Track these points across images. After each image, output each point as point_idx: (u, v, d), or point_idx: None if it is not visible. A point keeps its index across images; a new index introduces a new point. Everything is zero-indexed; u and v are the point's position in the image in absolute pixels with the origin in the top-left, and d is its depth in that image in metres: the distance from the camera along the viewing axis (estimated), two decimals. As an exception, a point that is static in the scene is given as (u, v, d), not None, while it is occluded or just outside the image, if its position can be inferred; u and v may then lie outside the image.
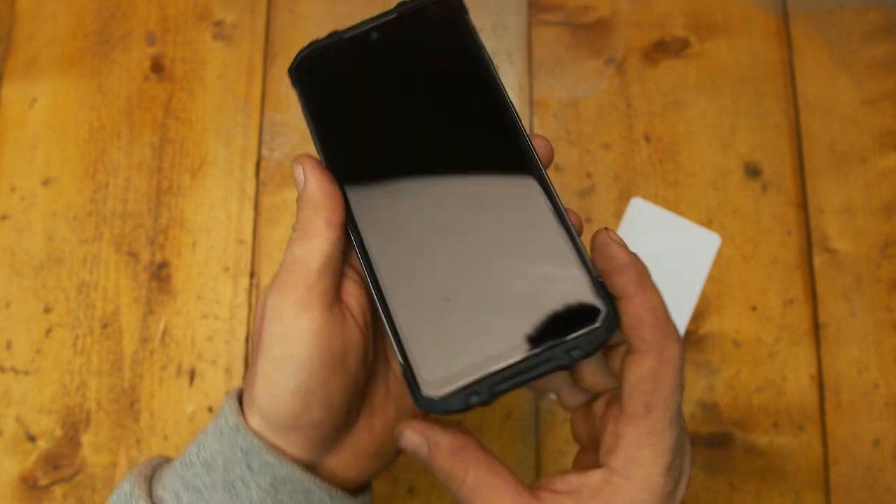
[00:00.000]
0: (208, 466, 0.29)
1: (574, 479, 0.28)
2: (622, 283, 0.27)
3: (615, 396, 0.29)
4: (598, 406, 0.31)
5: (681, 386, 0.27)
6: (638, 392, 0.27)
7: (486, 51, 0.30)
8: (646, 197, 0.55)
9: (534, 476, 0.51)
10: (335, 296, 0.28)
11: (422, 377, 0.25)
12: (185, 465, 0.29)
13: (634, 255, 0.27)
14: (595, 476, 0.27)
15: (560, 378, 0.32)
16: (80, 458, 0.51)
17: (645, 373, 0.27)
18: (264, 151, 0.57)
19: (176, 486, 0.29)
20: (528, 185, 0.28)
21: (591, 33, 0.59)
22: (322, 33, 0.32)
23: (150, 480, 0.30)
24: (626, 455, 0.27)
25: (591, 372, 0.31)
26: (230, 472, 0.28)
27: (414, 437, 0.28)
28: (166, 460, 0.32)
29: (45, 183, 0.56)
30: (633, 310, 0.27)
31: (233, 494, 0.28)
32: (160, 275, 0.54)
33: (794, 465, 0.51)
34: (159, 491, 0.29)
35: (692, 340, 0.53)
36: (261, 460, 0.28)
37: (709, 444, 0.51)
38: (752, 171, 0.56)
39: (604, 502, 0.27)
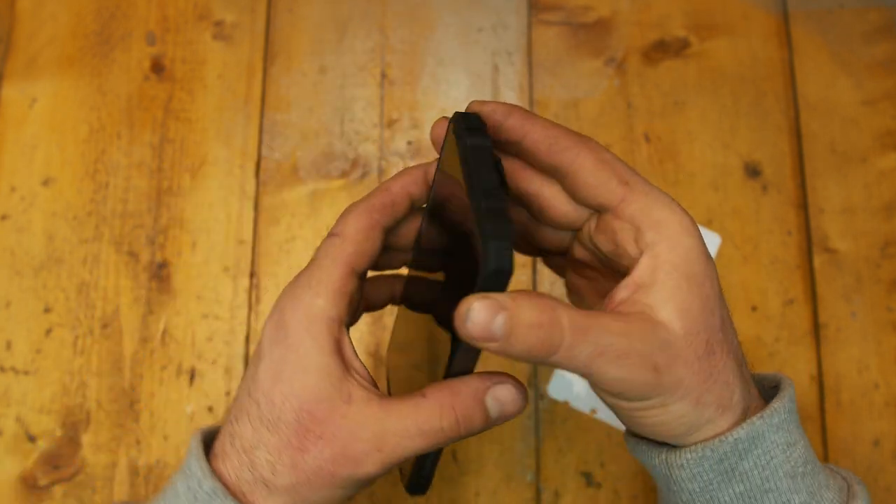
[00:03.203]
0: None
1: (627, 282, 0.27)
2: (515, 123, 0.28)
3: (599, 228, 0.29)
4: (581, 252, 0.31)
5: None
6: (605, 181, 0.27)
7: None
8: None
9: (534, 476, 0.51)
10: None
11: None
12: None
13: (503, 102, 0.28)
14: (642, 265, 0.26)
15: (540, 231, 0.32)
16: (80, 458, 0.51)
17: (593, 164, 0.28)
18: (264, 151, 0.57)
19: None
20: None
21: (591, 33, 0.59)
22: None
23: None
24: (647, 224, 0.27)
25: (559, 201, 0.29)
26: None
27: (488, 309, 0.22)
28: None
29: (45, 183, 0.56)
30: (537, 135, 0.28)
31: None
32: (160, 275, 0.54)
33: (794, 465, 0.51)
34: None
35: (692, 340, 0.53)
36: None
37: (709, 444, 0.51)
38: (752, 171, 0.56)
39: (664, 267, 0.26)
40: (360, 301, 0.31)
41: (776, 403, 0.28)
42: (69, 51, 0.59)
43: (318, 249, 0.29)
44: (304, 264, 0.29)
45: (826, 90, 0.57)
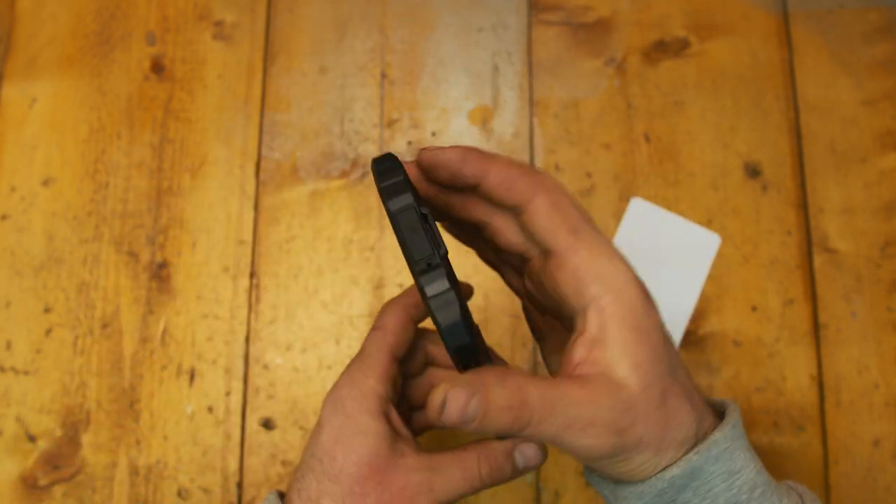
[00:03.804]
0: None
1: (582, 339, 0.28)
2: (472, 170, 0.29)
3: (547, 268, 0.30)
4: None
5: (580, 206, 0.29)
6: (554, 228, 0.28)
7: None
8: (646, 197, 0.55)
9: (533, 476, 0.51)
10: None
11: None
12: None
13: (459, 147, 0.29)
14: (590, 320, 0.28)
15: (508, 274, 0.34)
16: (80, 458, 0.51)
17: (546, 209, 0.28)
18: (264, 151, 0.57)
19: None
20: None
21: (591, 33, 0.59)
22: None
23: None
24: (590, 277, 0.28)
25: (511, 232, 0.31)
26: None
27: (461, 397, 0.24)
28: None
29: (45, 183, 0.56)
30: (494, 179, 0.29)
31: None
32: (160, 275, 0.54)
33: (793, 465, 0.51)
34: None
35: (692, 340, 0.53)
36: None
37: (709, 444, 0.51)
38: (752, 171, 0.56)
39: (611, 322, 0.27)
40: (400, 380, 0.36)
41: (716, 435, 0.29)
42: (69, 51, 0.59)
43: (365, 341, 0.35)
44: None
45: (826, 90, 0.57)
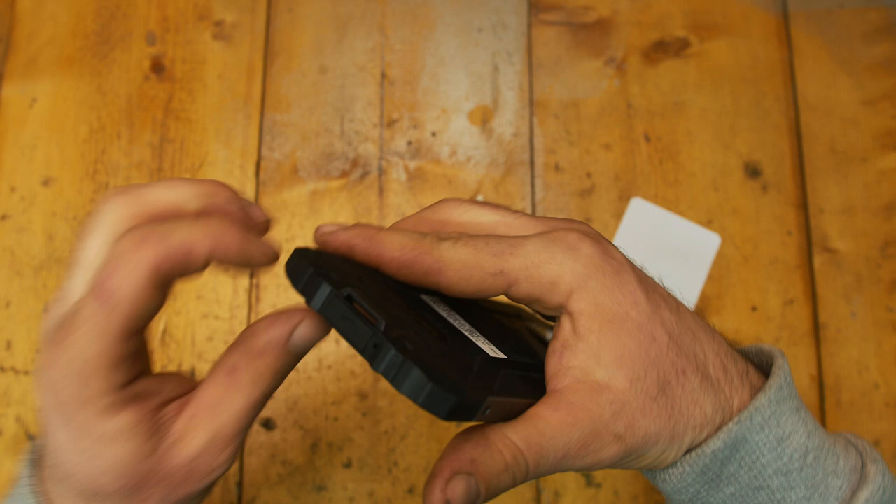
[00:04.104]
0: None
1: (553, 346, 0.26)
2: (364, 258, 0.26)
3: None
4: None
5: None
6: (479, 283, 0.26)
7: None
8: (646, 197, 0.55)
9: (534, 476, 0.51)
10: None
11: None
12: None
13: (348, 231, 0.26)
14: (562, 326, 0.26)
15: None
16: (80, 458, 0.51)
17: (459, 276, 0.26)
18: (264, 151, 0.57)
19: None
20: None
21: (591, 33, 0.59)
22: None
23: None
24: (544, 292, 0.26)
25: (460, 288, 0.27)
26: None
27: (460, 492, 0.23)
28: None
29: (45, 183, 0.56)
30: (391, 266, 0.26)
31: None
32: (160, 275, 0.54)
33: (794, 465, 0.51)
34: None
35: (692, 340, 0.53)
36: None
37: (709, 444, 0.51)
38: (752, 171, 0.56)
39: (580, 321, 0.25)
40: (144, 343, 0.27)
41: (759, 400, 0.26)
42: (69, 51, 0.59)
43: (80, 321, 0.24)
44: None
45: (826, 90, 0.57)
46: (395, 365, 0.22)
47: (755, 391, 0.27)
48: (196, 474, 0.23)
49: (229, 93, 0.58)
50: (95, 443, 0.22)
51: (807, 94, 0.57)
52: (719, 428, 0.26)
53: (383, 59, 0.58)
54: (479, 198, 0.56)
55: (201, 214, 0.24)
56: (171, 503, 0.23)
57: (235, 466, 0.51)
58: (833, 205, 0.55)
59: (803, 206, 0.55)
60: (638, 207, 0.55)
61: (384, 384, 0.52)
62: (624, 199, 0.55)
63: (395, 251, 0.26)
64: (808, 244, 0.54)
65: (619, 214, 0.55)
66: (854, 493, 0.27)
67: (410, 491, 0.50)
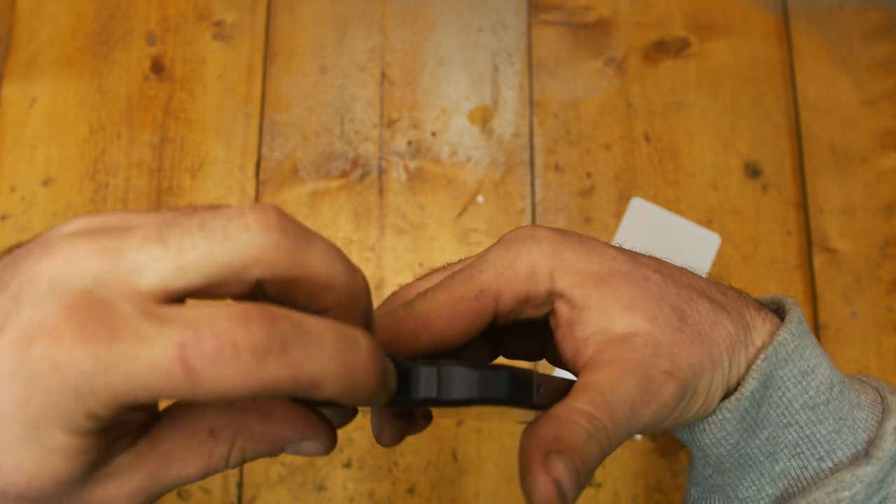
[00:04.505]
0: None
1: (559, 338, 0.25)
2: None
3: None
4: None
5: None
6: (460, 324, 0.24)
7: None
8: (646, 197, 0.55)
9: (534, 476, 0.51)
10: None
11: None
12: None
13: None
14: (560, 309, 0.25)
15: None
16: (80, 458, 0.51)
17: (445, 318, 0.24)
18: (264, 151, 0.57)
19: None
20: None
21: (591, 33, 0.59)
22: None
23: None
24: (525, 286, 0.25)
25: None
26: None
27: (566, 476, 0.21)
28: None
29: (45, 183, 0.56)
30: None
31: None
32: (160, 275, 0.54)
33: (794, 465, 0.51)
34: None
35: (692, 340, 0.53)
36: None
37: (709, 444, 0.51)
38: (752, 171, 0.56)
39: (575, 294, 0.24)
40: None
41: (781, 334, 0.26)
42: (69, 51, 0.59)
43: None
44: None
45: (826, 90, 0.57)
46: (433, 377, 0.20)
47: (773, 325, 0.27)
48: None
49: (229, 93, 0.58)
50: (45, 453, 0.18)
51: (807, 94, 0.57)
52: (749, 355, 0.26)
53: (383, 59, 0.58)
54: (479, 198, 0.56)
55: (340, 324, 0.19)
56: None
57: (235, 466, 0.51)
58: (833, 205, 0.55)
59: (803, 206, 0.55)
60: (638, 207, 0.55)
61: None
62: (624, 199, 0.55)
63: (379, 335, 0.24)
64: (808, 244, 0.54)
65: (619, 214, 0.55)
66: (881, 423, 0.27)
67: (410, 491, 0.50)
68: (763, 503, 0.27)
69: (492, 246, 0.26)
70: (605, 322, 0.24)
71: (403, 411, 0.27)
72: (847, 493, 0.25)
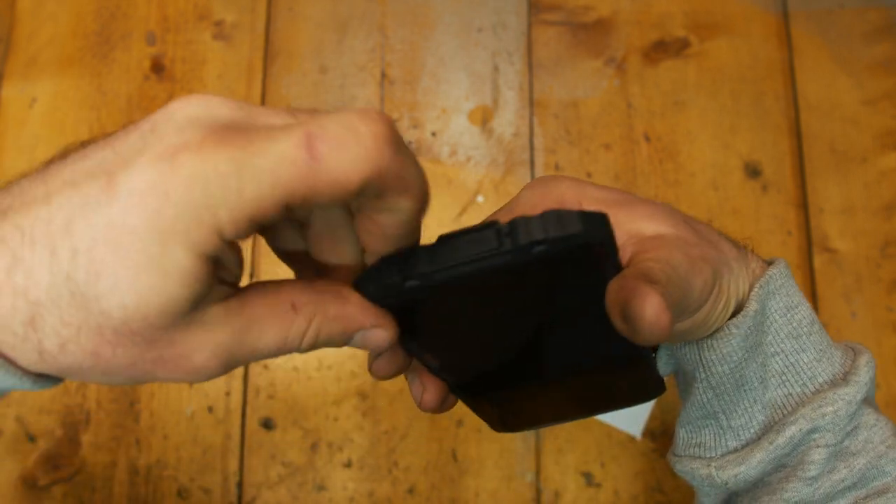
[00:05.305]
0: None
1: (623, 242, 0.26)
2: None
3: None
4: None
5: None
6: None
7: None
8: (646, 197, 0.55)
9: (534, 476, 0.51)
10: None
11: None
12: None
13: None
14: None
15: None
16: (79, 458, 0.51)
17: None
18: (264, 151, 0.57)
19: None
20: None
21: (591, 33, 0.59)
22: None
23: None
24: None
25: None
26: None
27: (656, 305, 0.21)
28: None
29: (45, 183, 0.56)
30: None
31: None
32: (160, 275, 0.54)
33: (794, 465, 0.51)
34: None
35: (692, 340, 0.53)
36: None
37: (709, 444, 0.51)
38: (752, 171, 0.56)
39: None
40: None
41: (771, 270, 0.29)
42: (69, 51, 0.59)
43: None
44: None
45: (826, 90, 0.57)
46: (504, 228, 0.20)
47: (764, 266, 0.30)
48: (185, 366, 0.20)
49: (229, 93, 0.58)
50: (162, 274, 0.18)
51: (807, 94, 0.57)
52: (749, 279, 0.28)
53: (383, 59, 0.59)
54: (479, 198, 0.56)
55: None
56: (147, 369, 0.20)
57: (235, 466, 0.51)
58: (833, 205, 0.55)
59: (803, 206, 0.55)
60: (638, 207, 0.55)
61: (384, 385, 0.51)
62: (624, 199, 0.55)
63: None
64: (808, 244, 0.54)
65: (619, 214, 0.55)
66: (854, 359, 0.30)
67: (410, 491, 0.50)
68: (753, 430, 0.29)
69: (522, 188, 0.28)
70: (636, 230, 0.26)
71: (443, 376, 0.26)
72: (830, 408, 0.28)
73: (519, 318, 0.24)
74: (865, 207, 0.55)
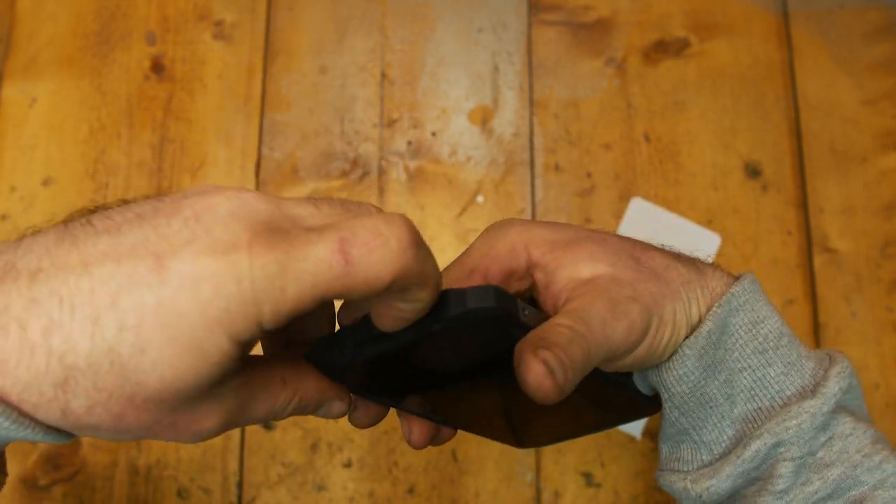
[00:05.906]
0: None
1: (549, 292, 0.28)
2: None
3: None
4: None
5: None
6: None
7: None
8: (646, 197, 0.55)
9: (534, 476, 0.51)
10: None
11: None
12: None
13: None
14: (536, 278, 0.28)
15: None
16: (79, 458, 0.51)
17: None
18: (264, 151, 0.57)
19: None
20: None
21: (591, 33, 0.59)
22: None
23: None
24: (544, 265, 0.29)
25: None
26: None
27: (558, 365, 0.23)
28: None
29: (45, 183, 0.56)
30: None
31: None
32: (160, 275, 0.54)
33: (794, 465, 0.51)
34: None
35: (692, 340, 0.53)
36: None
37: (709, 444, 0.51)
38: (752, 171, 0.56)
39: (537, 254, 0.29)
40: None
41: (735, 287, 0.29)
42: (69, 51, 0.59)
43: None
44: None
45: (826, 90, 0.57)
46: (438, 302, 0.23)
47: (730, 281, 0.30)
48: (193, 430, 0.22)
49: (229, 93, 0.58)
50: (201, 355, 0.20)
51: (807, 94, 0.57)
52: (707, 300, 0.29)
53: (383, 59, 0.59)
54: (480, 198, 0.56)
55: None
56: (157, 431, 0.22)
57: (235, 466, 0.51)
58: (833, 205, 0.55)
59: (803, 206, 0.55)
60: (638, 207, 0.55)
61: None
62: (624, 199, 0.55)
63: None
64: (808, 244, 0.54)
65: (619, 214, 0.55)
66: (826, 371, 0.30)
67: (410, 491, 0.50)
68: (725, 444, 0.30)
69: (478, 236, 0.30)
70: (573, 272, 0.28)
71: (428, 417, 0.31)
72: (794, 421, 0.29)
73: (474, 366, 0.28)
74: (865, 207, 0.55)
